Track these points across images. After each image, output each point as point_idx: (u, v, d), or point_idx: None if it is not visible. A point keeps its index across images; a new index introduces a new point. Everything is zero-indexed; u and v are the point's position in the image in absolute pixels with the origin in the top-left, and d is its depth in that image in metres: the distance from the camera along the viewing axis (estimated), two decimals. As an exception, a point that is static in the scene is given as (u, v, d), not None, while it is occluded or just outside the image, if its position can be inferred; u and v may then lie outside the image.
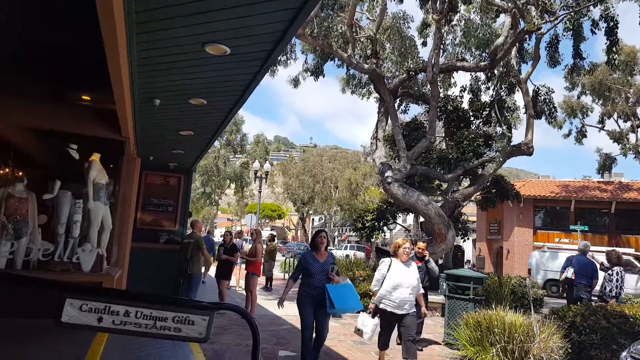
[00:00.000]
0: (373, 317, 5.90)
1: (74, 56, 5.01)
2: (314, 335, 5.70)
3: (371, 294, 6.07)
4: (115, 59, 3.51)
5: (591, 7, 12.74)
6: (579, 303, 8.51)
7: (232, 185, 44.66)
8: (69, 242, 5.78)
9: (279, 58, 13.32)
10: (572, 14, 12.73)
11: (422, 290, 5.99)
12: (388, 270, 5.81)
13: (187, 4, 3.20)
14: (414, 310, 5.87)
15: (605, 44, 12.84)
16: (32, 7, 4.16)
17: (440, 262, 15.95)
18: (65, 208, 5.78)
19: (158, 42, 3.83)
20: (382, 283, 5.81)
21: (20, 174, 6.21)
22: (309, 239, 58.35)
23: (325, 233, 5.96)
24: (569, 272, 9.54)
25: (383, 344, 5.97)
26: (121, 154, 6.75)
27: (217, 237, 28.91)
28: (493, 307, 7.08)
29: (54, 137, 6.61)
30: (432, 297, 11.92)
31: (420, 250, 7.99)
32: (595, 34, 13.06)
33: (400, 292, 5.65)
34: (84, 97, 6.20)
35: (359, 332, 5.96)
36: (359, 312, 6.11)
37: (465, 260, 29.71)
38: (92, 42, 3.60)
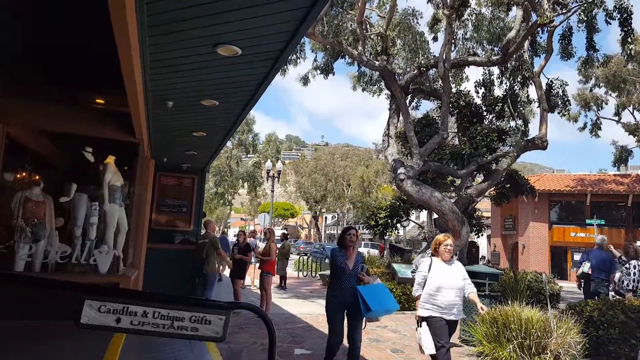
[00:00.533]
0: (420, 325, 5.17)
1: (88, 60, 5.07)
2: (345, 344, 5.21)
3: (414, 298, 5.34)
4: (128, 62, 3.55)
5: (604, -1, 12.55)
6: (596, 298, 8.41)
7: (245, 185, 44.81)
8: (85, 244, 5.86)
9: (289, 57, 13.33)
10: (585, 5, 12.55)
11: (473, 289, 5.18)
12: (429, 270, 5.14)
13: (198, 6, 3.22)
14: (463, 316, 5.26)
15: (620, 34, 12.65)
16: (46, 10, 4.22)
17: (455, 258, 15.83)
18: (81, 210, 5.86)
19: (170, 45, 3.86)
20: (424, 286, 5.14)
21: (37, 177, 6.30)
22: (321, 238, 58.04)
23: (355, 230, 5.41)
24: (586, 267, 9.43)
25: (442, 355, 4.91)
26: (135, 156, 6.82)
27: (231, 237, 29.08)
28: (509, 302, 7.02)
29: (69, 140, 6.70)
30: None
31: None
32: (610, 24, 12.86)
33: (444, 294, 4.96)
34: (98, 100, 6.28)
35: (420, 349, 5.21)
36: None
37: (480, 257, 29.50)
38: (105, 46, 3.64)
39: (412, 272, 7.04)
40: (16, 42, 5.00)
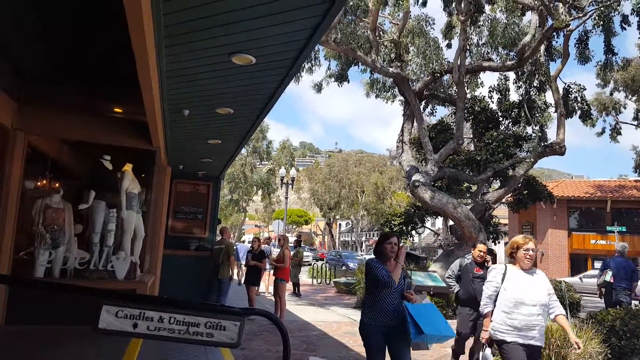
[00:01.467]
0: (484, 349, 4.34)
1: (107, 69, 5.17)
2: None
3: (483, 316, 4.25)
4: (146, 71, 3.62)
5: (622, 2, 12.40)
6: (618, 307, 8.24)
7: (259, 192, 45.02)
8: (103, 250, 5.95)
9: (303, 65, 13.41)
10: (601, 9, 12.41)
11: (562, 311, 4.06)
12: (503, 281, 4.07)
13: (214, 16, 3.27)
14: (542, 344, 4.01)
15: (638, 37, 12.47)
16: (67, 21, 4.32)
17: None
18: (99, 217, 5.96)
19: (186, 54, 3.92)
20: (496, 300, 4.08)
21: (57, 185, 6.44)
22: (335, 245, 57.66)
23: (398, 238, 4.33)
24: (607, 276, 9.23)
25: None
26: (152, 163, 6.92)
27: (246, 244, 29.21)
28: (527, 311, 6.90)
29: (88, 149, 6.83)
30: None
31: (481, 254, 6.31)
32: (625, 29, 12.70)
33: (524, 312, 3.86)
34: (117, 109, 6.38)
35: None
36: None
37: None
38: (123, 56, 3.71)
39: (448, 277, 6.60)
40: (38, 53, 5.12)
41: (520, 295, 3.91)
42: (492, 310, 4.08)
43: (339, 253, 35.10)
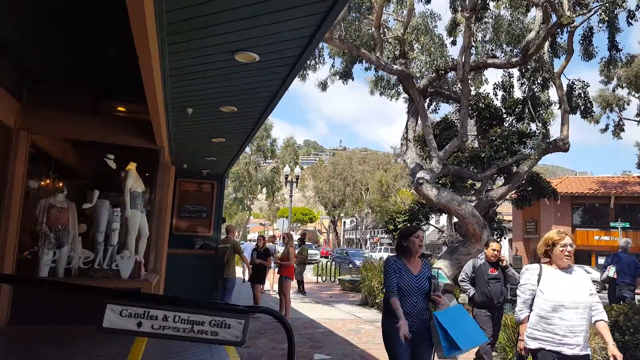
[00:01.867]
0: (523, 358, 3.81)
1: (111, 69, 5.17)
2: None
3: (519, 323, 3.76)
4: (149, 70, 3.61)
5: (627, -3, 12.31)
6: (621, 302, 8.21)
7: (264, 190, 45.08)
8: (108, 249, 5.97)
9: (307, 62, 13.39)
10: (606, 5, 12.32)
11: (604, 316, 3.53)
12: (539, 282, 3.61)
13: (216, 13, 3.26)
14: (588, 352, 3.51)
15: (644, 33, 12.37)
16: (70, 22, 4.31)
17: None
18: (104, 217, 5.97)
19: (189, 52, 3.91)
20: (532, 304, 3.63)
21: (61, 184, 6.44)
22: (340, 242, 57.60)
23: (423, 232, 3.96)
24: (611, 271, 9.21)
25: None
26: (156, 162, 6.93)
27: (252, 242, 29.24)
28: (532, 308, 6.88)
29: (92, 148, 6.84)
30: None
31: (495, 254, 5.96)
32: (632, 25, 12.60)
33: (564, 316, 3.42)
34: (120, 109, 6.38)
35: None
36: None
37: (501, 261, 29.02)
38: (126, 55, 3.71)
39: (462, 280, 6.11)
40: (41, 53, 5.13)
41: (560, 297, 3.46)
42: (528, 316, 3.63)
43: (345, 251, 35.08)
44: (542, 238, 3.80)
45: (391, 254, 4.10)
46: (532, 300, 3.63)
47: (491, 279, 5.82)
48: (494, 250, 5.96)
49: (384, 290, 3.82)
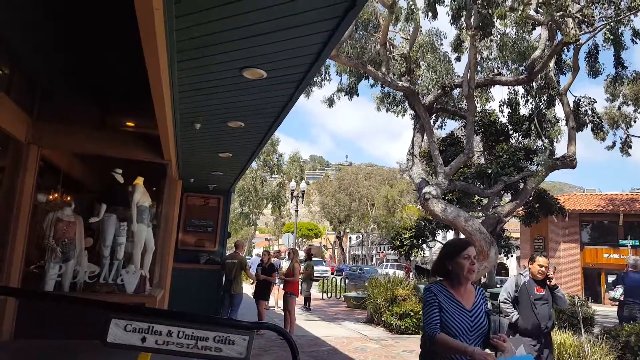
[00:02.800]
0: None
1: (120, 84, 5.24)
2: None
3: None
4: (158, 85, 3.66)
5: (631, 16, 12.35)
6: (632, 322, 8.06)
7: (270, 205, 45.08)
8: (113, 264, 5.96)
9: (313, 79, 13.51)
10: (611, 24, 12.38)
11: None
12: None
13: (225, 31, 3.31)
14: None
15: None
16: (80, 36, 4.39)
17: (483, 280, 15.50)
18: (110, 231, 5.98)
19: (198, 69, 3.96)
20: None
21: (69, 198, 6.48)
22: (346, 258, 57.01)
23: (474, 248, 2.87)
24: (617, 293, 9.03)
25: None
26: (163, 177, 6.96)
27: (254, 257, 29.05)
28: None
29: (100, 162, 6.89)
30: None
31: (542, 271, 5.02)
32: (637, 43, 12.63)
33: None
34: (129, 123, 6.45)
35: None
36: None
37: (509, 279, 28.70)
38: (136, 70, 3.76)
39: (504, 301, 5.18)
40: (53, 67, 5.21)
41: None
42: None
43: (358, 267, 34.27)
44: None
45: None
46: None
47: (537, 300, 4.96)
48: (540, 266, 5.00)
49: (423, 328, 2.75)
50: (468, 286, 2.80)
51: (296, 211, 25.87)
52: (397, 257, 39.79)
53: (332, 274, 30.01)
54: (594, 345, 5.97)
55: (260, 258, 11.21)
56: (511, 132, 15.18)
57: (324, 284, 20.58)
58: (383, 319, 11.37)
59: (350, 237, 65.85)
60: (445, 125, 17.86)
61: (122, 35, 3.92)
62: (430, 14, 12.39)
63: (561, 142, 16.69)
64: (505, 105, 15.76)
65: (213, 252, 10.50)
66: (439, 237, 20.68)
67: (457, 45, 14.75)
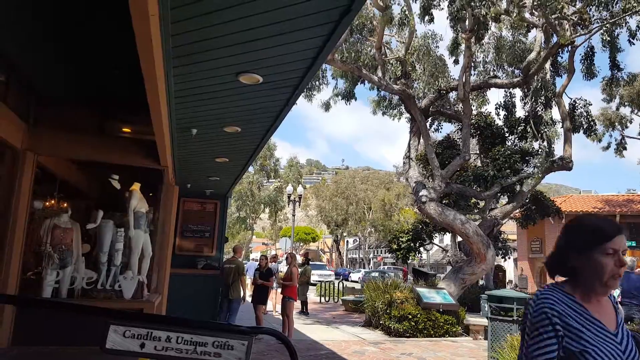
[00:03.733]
0: None
1: (116, 90, 5.24)
2: None
3: None
4: (154, 91, 3.66)
5: (627, 18, 12.43)
6: (628, 323, 8.09)
7: (267, 210, 45.06)
8: (111, 270, 5.94)
9: (312, 83, 13.55)
10: (607, 25, 12.46)
11: None
12: None
13: (221, 37, 3.32)
14: None
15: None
16: (77, 42, 4.39)
17: (481, 282, 15.53)
18: (107, 237, 5.97)
19: (194, 74, 3.97)
20: None
21: (65, 204, 6.47)
22: (343, 262, 57.05)
23: (624, 238, 1.69)
24: (615, 293, 9.07)
25: None
26: (160, 182, 6.95)
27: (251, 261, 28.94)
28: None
29: (96, 168, 6.88)
30: (473, 320, 11.59)
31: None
32: (634, 44, 12.73)
33: None
34: (125, 129, 6.44)
35: None
36: None
37: (507, 281, 28.76)
38: (132, 76, 3.77)
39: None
40: (49, 74, 5.21)
41: None
42: None
43: (368, 272, 33.87)
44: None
45: (541, 289, 1.84)
46: None
47: None
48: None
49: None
50: (604, 300, 1.79)
51: (293, 215, 25.86)
52: (394, 261, 39.80)
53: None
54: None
55: (258, 263, 11.21)
56: (507, 134, 15.23)
57: (322, 288, 20.57)
58: (381, 322, 11.36)
59: (347, 241, 65.81)
60: (441, 128, 17.94)
61: (118, 41, 3.93)
62: (426, 17, 12.47)
63: (557, 144, 16.77)
64: (501, 107, 15.82)
65: (210, 257, 10.48)
66: (436, 240, 20.69)
67: (454, 48, 14.85)
